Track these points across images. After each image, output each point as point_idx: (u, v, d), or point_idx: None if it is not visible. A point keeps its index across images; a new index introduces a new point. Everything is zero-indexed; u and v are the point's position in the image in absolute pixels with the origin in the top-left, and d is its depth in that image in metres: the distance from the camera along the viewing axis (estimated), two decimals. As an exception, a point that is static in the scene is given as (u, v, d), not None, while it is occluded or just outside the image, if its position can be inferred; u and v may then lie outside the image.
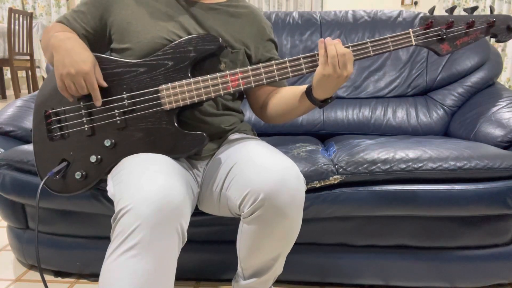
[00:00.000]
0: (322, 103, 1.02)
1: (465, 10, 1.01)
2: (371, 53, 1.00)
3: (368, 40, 0.99)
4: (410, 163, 1.18)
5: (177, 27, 1.07)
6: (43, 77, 5.53)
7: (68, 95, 1.00)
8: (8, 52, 4.33)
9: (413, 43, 1.00)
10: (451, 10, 1.01)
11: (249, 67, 0.99)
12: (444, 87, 1.70)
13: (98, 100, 1.00)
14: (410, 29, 1.01)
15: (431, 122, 1.65)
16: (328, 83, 0.96)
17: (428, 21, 1.00)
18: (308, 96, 1.03)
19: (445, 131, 1.65)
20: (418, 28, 1.01)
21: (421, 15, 1.00)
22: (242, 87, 0.99)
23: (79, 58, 0.97)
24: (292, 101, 1.09)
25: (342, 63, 0.93)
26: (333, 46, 0.93)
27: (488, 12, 4.37)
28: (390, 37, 1.00)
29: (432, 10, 1.02)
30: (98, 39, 1.12)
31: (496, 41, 1.02)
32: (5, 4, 5.79)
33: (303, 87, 1.06)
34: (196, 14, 1.09)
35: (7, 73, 5.61)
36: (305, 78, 1.78)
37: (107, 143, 1.01)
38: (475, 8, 1.00)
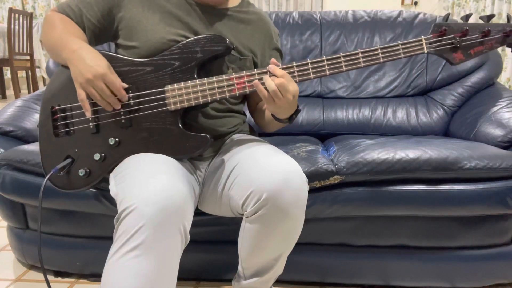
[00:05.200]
0: (289, 120, 1.03)
1: (481, 18, 0.98)
2: (381, 60, 0.97)
3: (378, 46, 0.97)
4: (410, 163, 1.18)
5: (186, 29, 1.06)
6: (43, 77, 5.53)
7: (88, 107, 0.98)
8: (8, 52, 4.33)
9: (425, 50, 0.97)
10: (466, 17, 0.97)
11: (255, 70, 0.98)
12: (444, 87, 1.70)
13: (124, 97, 0.99)
14: (423, 36, 0.98)
15: (431, 122, 1.65)
16: (282, 109, 0.97)
17: (442, 29, 0.97)
18: (274, 117, 1.05)
19: (445, 131, 1.65)
20: (431, 36, 0.98)
21: (436, 22, 0.95)
22: (247, 90, 0.98)
23: (93, 62, 0.96)
24: (268, 117, 1.10)
25: (283, 90, 0.92)
26: (270, 80, 0.93)
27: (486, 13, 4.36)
28: (402, 44, 0.97)
29: (446, 17, 0.99)
30: (102, 32, 1.10)
31: None
32: (5, 4, 5.79)
33: None
34: (206, 18, 1.09)
35: (7, 73, 5.60)
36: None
37: (111, 141, 1.01)
38: (491, 16, 0.97)
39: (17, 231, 1.39)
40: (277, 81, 0.92)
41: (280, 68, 0.95)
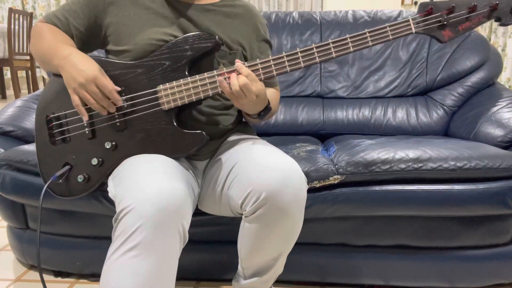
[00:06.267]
0: (259, 116, 1.03)
1: None
2: (370, 43, 0.97)
3: (366, 30, 0.97)
4: (410, 163, 1.18)
5: (173, 28, 1.07)
6: (43, 77, 5.53)
7: (84, 112, 0.98)
8: (8, 52, 4.33)
9: (413, 30, 0.97)
10: None
11: (246, 63, 0.98)
12: (444, 87, 1.70)
13: (119, 101, 0.99)
14: (410, 17, 0.98)
15: (431, 122, 1.65)
16: (248, 107, 0.97)
17: (428, 8, 0.97)
18: (245, 113, 1.07)
19: (445, 131, 1.65)
20: (418, 15, 0.98)
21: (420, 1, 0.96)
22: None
23: (84, 67, 0.96)
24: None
25: (247, 90, 0.93)
26: (235, 79, 0.93)
27: None
28: (389, 26, 0.97)
29: None
30: (90, 39, 1.10)
31: (500, 25, 0.98)
32: (5, 4, 5.79)
33: None
34: (192, 15, 1.09)
35: (7, 73, 5.61)
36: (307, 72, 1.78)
37: (108, 145, 1.01)
38: None
39: (17, 231, 1.39)
40: (241, 81, 0.92)
41: (247, 66, 0.96)
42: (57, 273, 1.39)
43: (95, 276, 1.37)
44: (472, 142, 1.36)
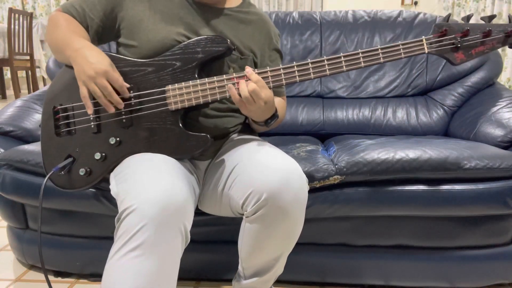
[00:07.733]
0: (265, 124, 1.03)
1: (482, 18, 0.98)
2: (381, 60, 0.97)
3: (379, 47, 0.97)
4: (410, 163, 1.18)
5: (188, 29, 1.07)
6: (43, 77, 5.54)
7: (90, 104, 0.98)
8: (8, 52, 4.33)
9: (426, 51, 0.97)
10: (467, 18, 0.97)
11: (256, 70, 0.98)
12: (444, 87, 1.70)
13: (126, 93, 0.99)
14: (423, 37, 0.98)
15: (431, 122, 1.65)
16: (255, 113, 0.98)
17: (443, 29, 0.97)
18: (252, 120, 1.07)
19: (445, 131, 1.65)
20: (432, 36, 0.98)
21: (437, 21, 0.95)
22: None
23: (95, 60, 0.96)
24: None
25: (256, 96, 0.93)
26: (244, 85, 0.93)
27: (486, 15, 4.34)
28: (402, 44, 0.97)
29: (447, 18, 0.99)
30: (105, 31, 1.11)
31: None
32: (5, 4, 5.79)
33: None
34: (208, 18, 1.09)
35: (7, 73, 5.61)
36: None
37: (112, 141, 1.01)
38: (493, 17, 0.97)
39: (17, 231, 1.39)
40: (250, 86, 0.92)
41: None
42: (57, 273, 1.39)
43: (95, 276, 1.37)
44: (472, 142, 1.36)
